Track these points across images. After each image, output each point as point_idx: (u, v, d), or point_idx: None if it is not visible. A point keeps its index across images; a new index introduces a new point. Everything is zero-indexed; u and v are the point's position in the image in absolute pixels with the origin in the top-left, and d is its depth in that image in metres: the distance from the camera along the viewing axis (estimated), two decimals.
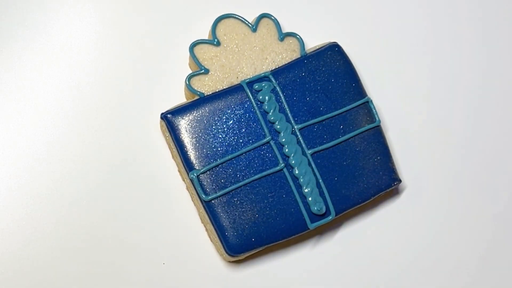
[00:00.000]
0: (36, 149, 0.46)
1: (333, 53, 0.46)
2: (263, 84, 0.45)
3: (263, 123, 0.44)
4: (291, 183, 0.44)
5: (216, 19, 0.46)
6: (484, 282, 0.47)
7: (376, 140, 0.46)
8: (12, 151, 0.46)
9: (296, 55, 0.46)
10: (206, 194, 0.43)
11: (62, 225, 0.45)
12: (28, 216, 0.45)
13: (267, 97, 0.45)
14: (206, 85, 0.45)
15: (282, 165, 0.44)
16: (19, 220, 0.45)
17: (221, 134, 0.44)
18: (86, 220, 0.45)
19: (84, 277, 0.45)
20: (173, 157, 0.46)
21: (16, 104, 0.46)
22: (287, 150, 0.44)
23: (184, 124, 0.44)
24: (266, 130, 0.44)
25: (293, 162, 0.44)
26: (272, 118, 0.44)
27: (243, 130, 0.44)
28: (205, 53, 0.45)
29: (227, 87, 0.45)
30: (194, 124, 0.44)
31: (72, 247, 0.45)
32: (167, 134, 0.45)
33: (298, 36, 0.46)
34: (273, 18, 0.46)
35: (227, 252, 0.44)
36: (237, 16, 0.46)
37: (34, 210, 0.45)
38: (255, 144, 0.44)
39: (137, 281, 0.45)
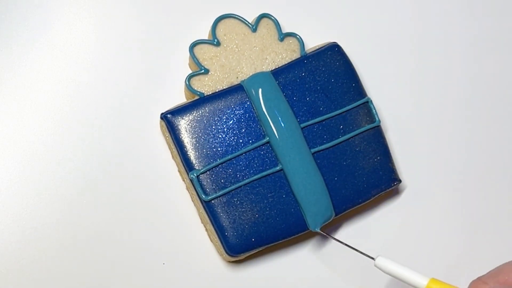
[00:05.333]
0: (35, 150, 0.46)
1: (333, 53, 0.46)
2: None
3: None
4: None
5: (216, 19, 0.46)
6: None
7: (376, 140, 0.46)
8: (11, 151, 0.46)
9: (296, 55, 0.46)
10: (206, 194, 0.43)
11: (62, 225, 0.45)
12: (28, 217, 0.45)
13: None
14: (206, 85, 0.45)
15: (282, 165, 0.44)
16: (19, 221, 0.45)
17: (221, 134, 0.44)
18: (86, 220, 0.45)
19: (84, 278, 0.45)
20: (173, 157, 0.46)
21: (15, 106, 0.46)
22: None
23: (184, 124, 0.44)
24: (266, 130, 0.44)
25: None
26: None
27: (243, 130, 0.44)
28: (205, 53, 0.45)
29: (227, 87, 0.45)
30: (194, 124, 0.44)
31: (72, 247, 0.45)
32: (167, 134, 0.45)
33: (298, 36, 0.46)
34: (273, 18, 0.46)
35: (227, 252, 0.44)
36: (237, 16, 0.46)
37: (34, 211, 0.45)
38: (255, 144, 0.44)
39: (137, 281, 0.45)
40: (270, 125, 0.44)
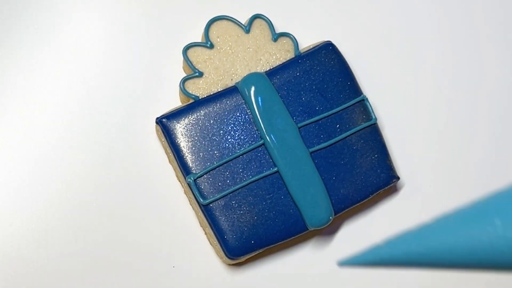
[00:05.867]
0: (31, 157, 0.46)
1: (327, 52, 0.46)
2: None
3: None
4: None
5: (209, 21, 0.46)
6: (483, 279, 0.47)
7: (373, 138, 0.46)
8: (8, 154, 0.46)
9: (290, 55, 0.46)
10: (204, 197, 0.43)
11: (63, 228, 0.45)
12: (38, 220, 0.45)
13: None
14: (201, 88, 0.45)
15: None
16: (28, 223, 0.45)
17: (217, 137, 0.44)
18: (85, 225, 0.45)
19: (85, 280, 0.45)
20: (170, 161, 0.46)
21: (10, 112, 0.46)
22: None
23: (179, 128, 0.44)
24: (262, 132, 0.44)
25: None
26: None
27: (239, 132, 0.44)
28: (198, 56, 0.45)
29: (221, 89, 0.45)
30: (190, 127, 0.44)
31: (72, 249, 0.45)
32: (163, 138, 0.45)
33: (291, 36, 0.46)
34: (266, 18, 0.46)
35: (226, 255, 0.44)
36: (229, 18, 0.46)
37: (33, 218, 0.45)
38: (252, 146, 0.44)
39: (136, 286, 0.45)
40: (266, 126, 0.44)
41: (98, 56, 0.47)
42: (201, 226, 0.45)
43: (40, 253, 0.45)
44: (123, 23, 0.48)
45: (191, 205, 0.45)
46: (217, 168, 0.44)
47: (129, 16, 0.48)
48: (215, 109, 0.44)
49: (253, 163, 0.44)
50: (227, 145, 0.44)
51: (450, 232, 0.30)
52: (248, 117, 0.44)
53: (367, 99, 0.46)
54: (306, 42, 0.47)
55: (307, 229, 0.44)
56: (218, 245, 0.44)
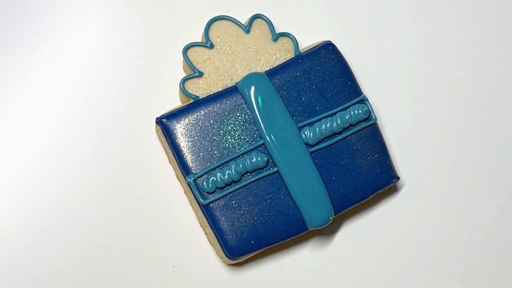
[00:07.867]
0: (31, 157, 0.46)
1: (327, 52, 0.46)
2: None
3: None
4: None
5: (209, 21, 0.46)
6: (483, 278, 0.47)
7: (373, 138, 0.46)
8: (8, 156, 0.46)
9: (290, 55, 0.46)
10: (204, 198, 0.43)
11: (63, 228, 0.45)
12: (32, 221, 0.45)
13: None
14: (201, 88, 0.45)
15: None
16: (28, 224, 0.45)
17: (217, 137, 0.44)
18: (85, 225, 0.45)
19: (85, 280, 0.45)
20: (170, 161, 0.46)
21: (10, 112, 0.46)
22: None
23: (179, 128, 0.44)
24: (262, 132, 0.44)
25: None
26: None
27: (239, 132, 0.44)
28: (198, 56, 0.45)
29: (221, 89, 0.45)
30: (190, 127, 0.44)
31: (71, 249, 0.45)
32: (163, 138, 0.45)
33: (291, 36, 0.46)
34: (266, 18, 0.46)
35: (226, 255, 0.44)
36: (230, 18, 0.46)
37: (32, 218, 0.45)
38: (251, 146, 0.44)
39: (136, 286, 0.45)
40: (266, 126, 0.44)
41: (98, 56, 0.47)
42: (201, 226, 0.45)
43: (40, 253, 0.45)
44: (123, 23, 0.48)
45: (191, 205, 0.45)
46: (217, 168, 0.44)
47: (129, 16, 0.48)
48: (215, 109, 0.44)
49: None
50: (227, 145, 0.44)
51: None
52: (248, 117, 0.44)
53: (367, 99, 0.46)
54: (306, 42, 0.47)
55: (307, 229, 0.44)
56: (218, 245, 0.44)
